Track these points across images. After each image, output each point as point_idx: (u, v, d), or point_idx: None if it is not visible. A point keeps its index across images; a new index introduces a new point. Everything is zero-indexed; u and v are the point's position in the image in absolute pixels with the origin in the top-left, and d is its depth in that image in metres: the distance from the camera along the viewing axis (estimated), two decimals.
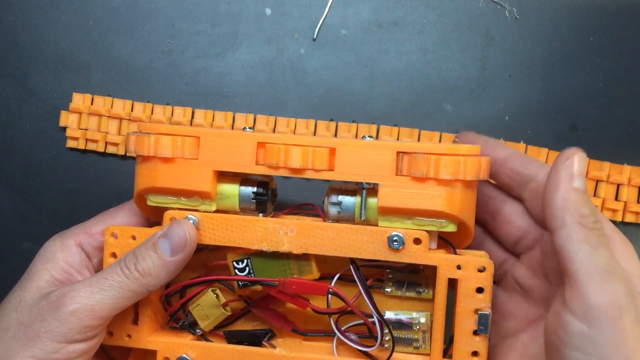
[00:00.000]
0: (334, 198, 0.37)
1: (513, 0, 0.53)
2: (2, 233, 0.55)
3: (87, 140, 0.54)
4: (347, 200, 0.37)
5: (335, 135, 0.53)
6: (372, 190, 0.37)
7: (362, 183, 0.36)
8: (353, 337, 0.38)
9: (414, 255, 0.36)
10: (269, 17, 0.54)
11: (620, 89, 0.52)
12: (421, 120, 0.53)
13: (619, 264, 0.32)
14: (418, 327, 0.38)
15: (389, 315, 0.38)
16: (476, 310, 0.36)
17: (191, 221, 0.37)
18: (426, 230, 0.36)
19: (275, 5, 0.54)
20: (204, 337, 0.40)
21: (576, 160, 0.33)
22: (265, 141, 0.36)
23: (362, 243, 0.36)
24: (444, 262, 0.36)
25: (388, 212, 0.36)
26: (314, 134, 0.53)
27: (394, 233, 0.35)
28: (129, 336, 0.39)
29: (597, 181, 0.52)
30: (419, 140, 0.52)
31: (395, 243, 0.35)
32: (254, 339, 0.40)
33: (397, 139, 0.52)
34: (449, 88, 0.53)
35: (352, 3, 0.53)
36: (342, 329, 0.38)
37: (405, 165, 0.35)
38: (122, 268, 0.36)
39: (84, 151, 0.54)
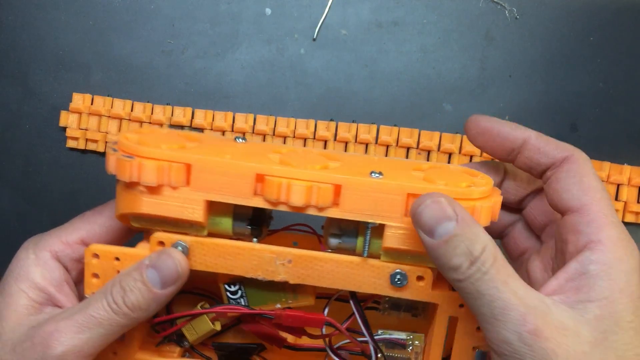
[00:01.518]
0: (334, 229, 0.35)
1: (513, 0, 0.53)
2: (2, 233, 0.55)
3: (87, 140, 0.54)
4: (350, 234, 0.35)
5: (335, 137, 0.53)
6: (377, 228, 0.34)
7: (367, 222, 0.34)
8: (345, 354, 0.38)
9: (415, 292, 0.34)
10: (269, 17, 0.54)
11: (620, 89, 0.52)
12: (421, 120, 0.53)
13: (512, 292, 0.30)
14: (412, 348, 0.37)
15: (383, 335, 0.37)
16: (474, 348, 0.35)
17: (180, 248, 0.34)
18: (430, 268, 0.34)
19: (275, 5, 0.53)
20: (192, 349, 0.39)
21: (424, 209, 0.30)
22: (264, 173, 0.33)
23: (364, 277, 0.34)
24: (447, 301, 0.35)
25: (393, 251, 0.34)
26: (314, 134, 0.53)
27: (397, 270, 0.34)
28: (115, 353, 0.37)
29: None
30: (418, 140, 0.52)
31: (398, 281, 0.34)
32: (244, 353, 0.39)
33: (397, 139, 0.52)
34: (449, 88, 0.53)
35: (352, 3, 0.53)
36: (336, 346, 0.37)
37: None
38: (110, 303, 0.33)
39: (84, 151, 0.54)
